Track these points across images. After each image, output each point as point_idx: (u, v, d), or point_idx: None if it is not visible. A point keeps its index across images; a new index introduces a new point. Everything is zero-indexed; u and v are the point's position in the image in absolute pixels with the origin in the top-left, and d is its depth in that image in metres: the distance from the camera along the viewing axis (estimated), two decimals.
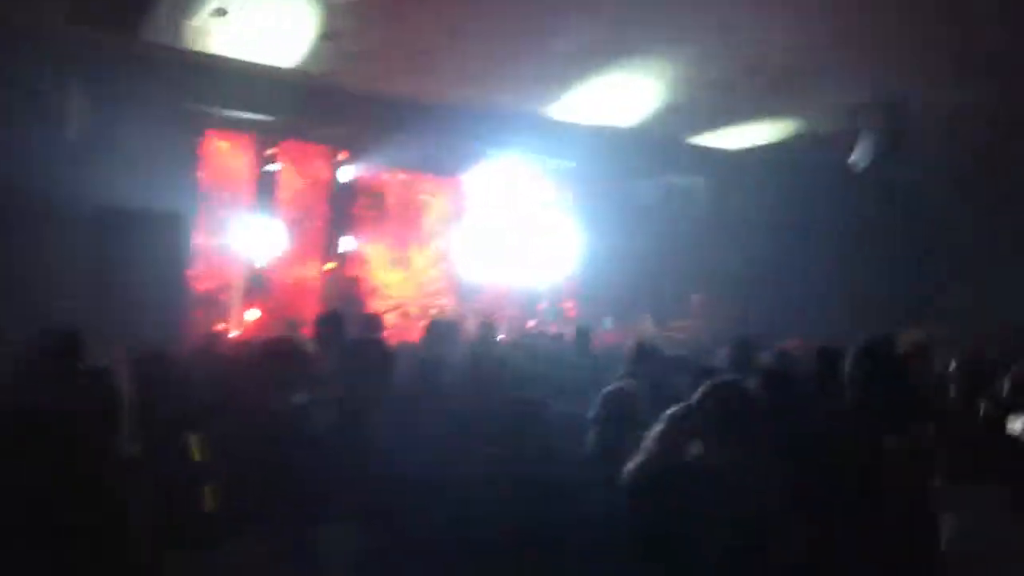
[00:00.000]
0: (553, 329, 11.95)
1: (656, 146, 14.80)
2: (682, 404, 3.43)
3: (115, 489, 3.34)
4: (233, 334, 12.27)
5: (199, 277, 12.75)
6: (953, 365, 5.38)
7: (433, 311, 13.91)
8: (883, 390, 3.85)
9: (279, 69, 11.52)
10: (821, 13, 9.72)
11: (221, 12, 10.06)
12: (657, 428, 3.37)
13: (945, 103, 12.04)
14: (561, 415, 4.55)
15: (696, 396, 3.43)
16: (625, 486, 3.26)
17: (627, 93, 12.55)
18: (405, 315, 13.95)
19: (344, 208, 14.62)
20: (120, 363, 5.75)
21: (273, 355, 4.03)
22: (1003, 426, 4.21)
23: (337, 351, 4.68)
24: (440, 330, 8.74)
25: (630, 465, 3.31)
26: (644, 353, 6.02)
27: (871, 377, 3.94)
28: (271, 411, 3.82)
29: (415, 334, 12.38)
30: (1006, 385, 4.59)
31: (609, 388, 4.36)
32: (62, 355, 4.02)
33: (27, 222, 10.34)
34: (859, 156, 12.62)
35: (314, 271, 14.32)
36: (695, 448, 3.26)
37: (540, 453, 3.78)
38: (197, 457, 4.17)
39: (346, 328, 5.84)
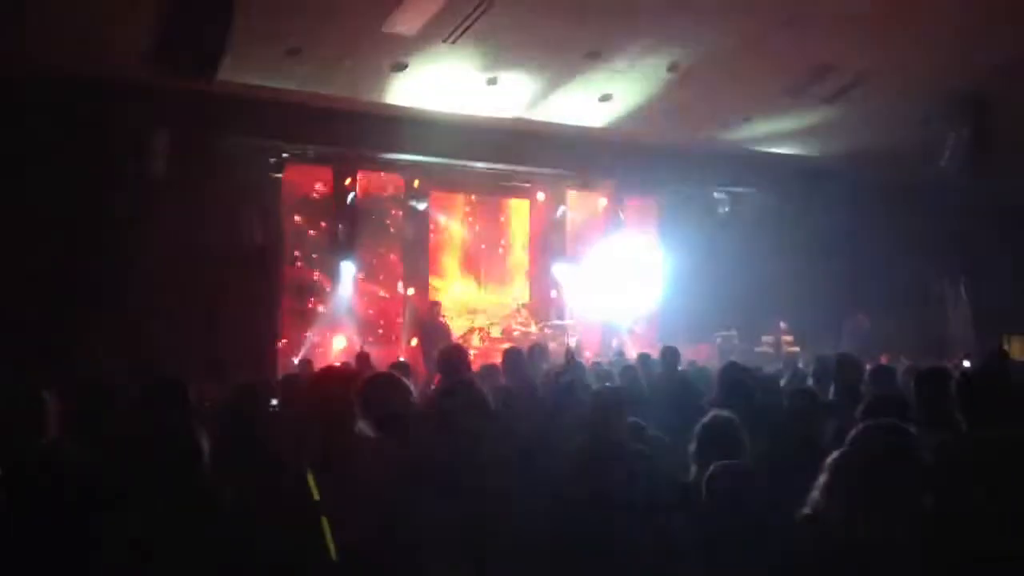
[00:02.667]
0: (635, 350, 11.88)
1: (732, 157, 14.69)
2: (841, 450, 3.12)
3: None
4: (324, 362, 12.44)
5: (288, 309, 13.02)
6: None
7: (516, 333, 13.90)
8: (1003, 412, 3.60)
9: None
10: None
11: (295, 51, 10.34)
12: (822, 478, 2.98)
13: None
14: (655, 446, 4.45)
15: (851, 439, 3.01)
16: (804, 548, 3.00)
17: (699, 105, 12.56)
18: (487, 337, 13.97)
19: (421, 234, 14.79)
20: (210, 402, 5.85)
21: (378, 388, 4.01)
22: None
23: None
24: (533, 356, 8.78)
25: (802, 520, 2.96)
26: (734, 375, 5.87)
27: (989, 399, 3.70)
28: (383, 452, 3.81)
29: (498, 356, 12.43)
30: None
31: (706, 420, 4.15)
32: (170, 405, 4.09)
33: (117, 261, 10.71)
34: (947, 159, 12.23)
35: (395, 297, 14.51)
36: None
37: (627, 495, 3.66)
38: (316, 497, 4.15)
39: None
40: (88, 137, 10.69)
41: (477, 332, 13.87)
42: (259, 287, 11.35)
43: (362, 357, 10.22)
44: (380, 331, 14.20)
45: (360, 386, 4.08)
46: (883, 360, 9.11)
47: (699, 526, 3.48)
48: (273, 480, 3.85)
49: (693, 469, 3.93)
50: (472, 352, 11.42)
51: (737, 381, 5.73)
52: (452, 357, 5.85)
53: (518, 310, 14.79)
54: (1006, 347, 11.63)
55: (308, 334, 13.10)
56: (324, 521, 3.63)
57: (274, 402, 7.51)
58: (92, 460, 3.67)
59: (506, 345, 13.43)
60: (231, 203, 12.08)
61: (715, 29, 10.32)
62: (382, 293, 14.47)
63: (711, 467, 3.61)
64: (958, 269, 15.07)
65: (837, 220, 15.22)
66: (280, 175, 13.04)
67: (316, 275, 13.68)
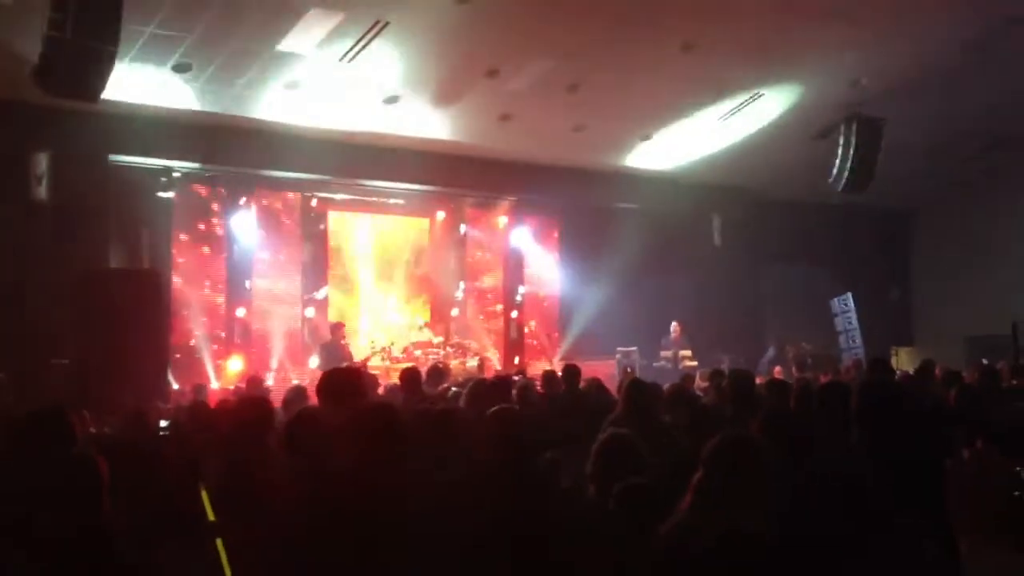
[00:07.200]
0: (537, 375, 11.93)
1: (630, 176, 14.91)
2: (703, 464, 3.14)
3: None
4: (217, 385, 12.10)
5: (178, 330, 12.61)
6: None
7: (417, 352, 13.77)
8: (896, 423, 3.69)
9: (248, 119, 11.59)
10: None
11: (185, 68, 10.09)
12: (687, 497, 3.04)
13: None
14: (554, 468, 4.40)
15: (707, 454, 3.14)
16: (668, 559, 2.99)
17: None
18: (388, 356, 13.76)
19: (320, 253, 14.58)
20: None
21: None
22: None
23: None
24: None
25: (667, 532, 3.06)
26: (635, 391, 5.84)
27: (883, 411, 3.78)
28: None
29: (398, 376, 12.27)
30: None
31: (602, 438, 4.09)
32: (50, 442, 3.82)
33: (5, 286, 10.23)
34: (834, 179, 12.62)
35: (294, 317, 14.23)
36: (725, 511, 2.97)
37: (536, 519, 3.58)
38: (211, 517, 3.99)
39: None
40: None
41: (379, 352, 13.67)
42: (148, 310, 10.89)
43: (253, 381, 9.99)
44: (279, 353, 13.89)
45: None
46: (776, 372, 9.32)
47: (607, 547, 3.41)
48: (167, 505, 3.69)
49: (591, 488, 3.85)
50: (376, 372, 11.29)
51: (637, 394, 5.68)
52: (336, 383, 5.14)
53: (421, 331, 14.67)
54: (894, 358, 12.04)
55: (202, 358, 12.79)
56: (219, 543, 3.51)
57: (164, 424, 7.29)
58: None
59: (407, 364, 13.35)
60: (119, 224, 11.67)
61: (615, 51, 10.51)
62: (280, 312, 14.19)
63: (615, 486, 3.54)
64: (846, 283, 15.58)
65: (734, 237, 15.62)
66: (171, 195, 12.64)
67: (210, 296, 13.36)
